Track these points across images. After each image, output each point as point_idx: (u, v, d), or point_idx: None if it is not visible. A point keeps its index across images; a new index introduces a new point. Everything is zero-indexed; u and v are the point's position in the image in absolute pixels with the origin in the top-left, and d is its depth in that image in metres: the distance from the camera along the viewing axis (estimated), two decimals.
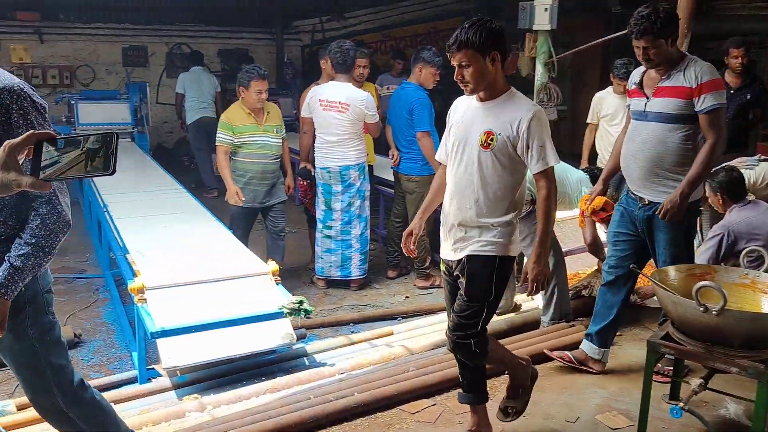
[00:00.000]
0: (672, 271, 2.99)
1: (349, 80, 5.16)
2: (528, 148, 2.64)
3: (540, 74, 5.26)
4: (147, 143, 8.61)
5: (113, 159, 1.50)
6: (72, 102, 8.29)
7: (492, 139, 2.66)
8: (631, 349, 3.98)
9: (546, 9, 4.96)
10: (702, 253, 3.91)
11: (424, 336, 4.19)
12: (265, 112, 5.05)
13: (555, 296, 4.12)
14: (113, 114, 8.40)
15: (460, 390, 3.00)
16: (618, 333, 4.16)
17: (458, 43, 2.60)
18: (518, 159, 2.68)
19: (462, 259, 2.77)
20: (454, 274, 2.83)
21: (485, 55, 2.59)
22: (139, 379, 3.65)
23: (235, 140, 4.96)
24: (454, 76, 2.68)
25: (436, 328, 4.34)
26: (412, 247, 2.98)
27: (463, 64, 2.62)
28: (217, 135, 5.02)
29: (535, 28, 5.09)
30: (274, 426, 3.01)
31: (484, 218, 2.71)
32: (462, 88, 2.70)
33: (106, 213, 4.99)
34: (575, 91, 8.97)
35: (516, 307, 4.65)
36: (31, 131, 1.43)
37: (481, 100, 2.74)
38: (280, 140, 5.13)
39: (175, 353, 3.45)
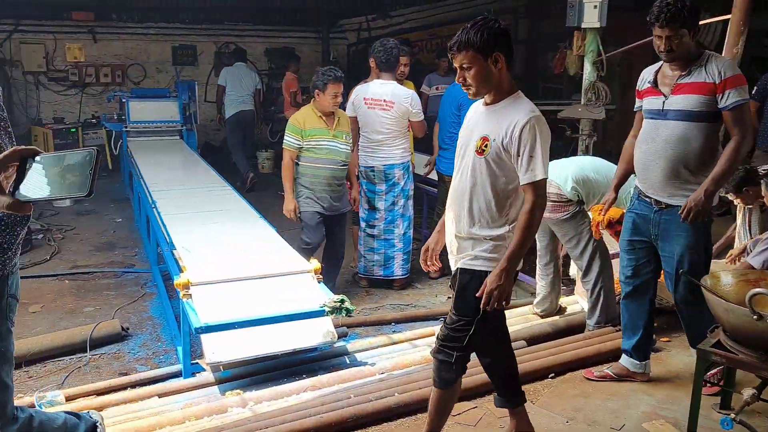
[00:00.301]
0: (724, 276, 2.89)
1: (393, 78, 5.15)
2: (519, 155, 2.48)
3: (588, 73, 5.15)
4: (195, 141, 8.77)
5: (92, 179, 1.39)
6: (123, 100, 8.48)
7: (486, 145, 2.53)
8: (680, 355, 3.87)
9: (595, 6, 4.86)
10: (755, 256, 3.76)
11: None
12: (336, 117, 4.82)
13: (601, 300, 4.04)
14: (163, 112, 8.58)
15: (495, 394, 2.95)
16: (666, 339, 4.06)
17: (458, 43, 2.48)
18: (512, 167, 2.53)
19: (455, 271, 2.68)
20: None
21: (487, 56, 2.47)
22: (183, 373, 3.71)
23: (304, 144, 4.73)
24: (456, 79, 2.58)
25: None
26: (429, 262, 2.87)
27: (464, 65, 2.50)
28: (285, 138, 4.77)
29: (583, 25, 4.98)
30: (314, 424, 3.02)
31: (477, 230, 2.59)
32: (465, 91, 2.59)
33: (154, 209, 5.09)
34: (624, 90, 8.82)
35: (561, 310, 4.57)
36: (15, 147, 1.35)
37: (486, 104, 2.62)
38: (349, 147, 4.90)
39: (218, 349, 3.49)
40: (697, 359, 2.91)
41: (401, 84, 5.44)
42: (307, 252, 4.56)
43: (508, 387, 2.88)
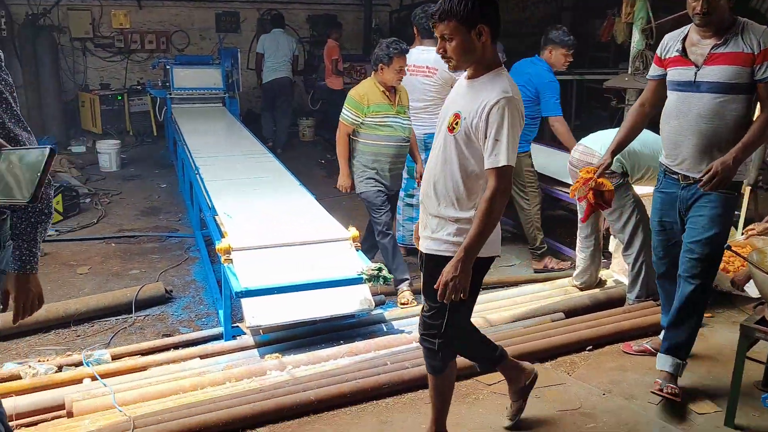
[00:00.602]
0: None
1: (435, 44, 5.06)
2: (486, 137, 2.32)
3: (636, 41, 5.01)
4: (237, 108, 8.84)
5: (39, 183, 1.20)
6: (167, 67, 8.57)
7: (457, 123, 2.39)
8: (723, 331, 3.80)
9: None
10: None
11: (504, 308, 4.14)
12: (397, 92, 4.55)
13: (642, 273, 3.98)
14: (206, 79, 8.65)
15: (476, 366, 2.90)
16: (709, 314, 3.99)
17: (441, 12, 2.32)
18: (481, 150, 2.36)
19: (424, 256, 2.56)
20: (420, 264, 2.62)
21: (471, 28, 2.30)
22: (224, 335, 3.79)
23: (365, 120, 4.42)
24: (436, 49, 2.44)
25: (516, 300, 4.29)
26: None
27: (445, 36, 2.35)
28: (344, 112, 4.46)
29: None
30: (351, 389, 3.07)
31: (444, 210, 2.45)
32: (445, 63, 2.44)
33: (197, 175, 5.16)
34: None
35: (600, 283, 4.52)
36: None
37: (468, 77, 2.47)
38: (410, 123, 4.64)
39: (258, 313, 3.57)
40: (740, 336, 2.86)
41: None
42: (386, 236, 4.45)
43: (486, 356, 2.79)
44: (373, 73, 4.53)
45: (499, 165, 2.29)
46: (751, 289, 3.83)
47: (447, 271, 2.32)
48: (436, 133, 2.54)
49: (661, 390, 3.06)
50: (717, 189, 2.87)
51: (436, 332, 2.53)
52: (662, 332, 3.49)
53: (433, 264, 2.47)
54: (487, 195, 2.32)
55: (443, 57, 2.42)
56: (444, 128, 2.45)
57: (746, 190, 5.27)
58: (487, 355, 2.77)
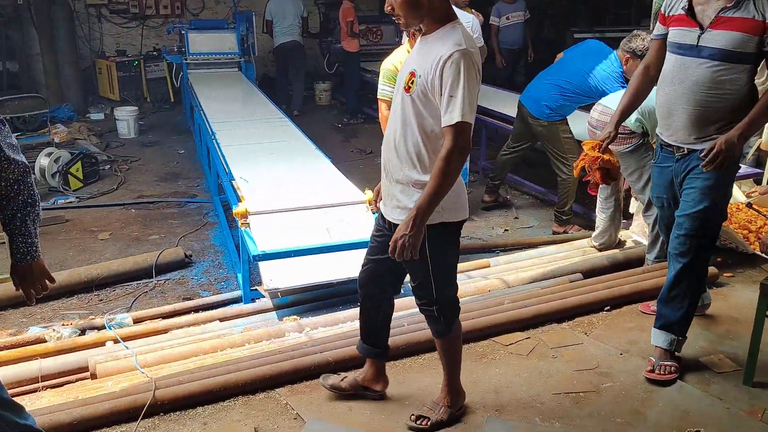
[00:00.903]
0: None
1: (454, 3, 4.96)
2: (440, 94, 2.22)
3: None
4: (253, 73, 8.79)
5: None
6: (182, 32, 8.52)
7: (413, 82, 2.29)
8: (744, 291, 3.77)
9: None
10: None
11: (521, 269, 4.13)
12: None
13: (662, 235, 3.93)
14: (221, 44, 8.60)
15: (360, 339, 2.80)
16: (730, 274, 3.96)
17: None
18: (438, 107, 2.26)
19: (390, 222, 2.47)
20: (386, 226, 2.52)
21: None
22: (243, 298, 3.84)
23: None
24: (385, 8, 2.33)
25: (534, 262, 4.27)
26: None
27: None
28: (379, 87, 4.01)
29: None
30: None
31: (408, 173, 2.36)
32: (396, 21, 2.34)
33: (213, 140, 5.17)
34: None
35: (620, 244, 4.48)
36: None
37: (422, 35, 2.36)
38: None
39: (276, 276, 3.59)
40: (760, 294, 2.83)
41: (462, 10, 5.26)
42: None
43: (377, 336, 2.74)
44: (405, 39, 4.20)
45: (455, 122, 2.20)
46: None
47: (399, 229, 2.28)
48: (395, 95, 2.44)
49: (652, 371, 2.97)
50: (721, 168, 2.69)
51: (428, 300, 2.50)
52: None
53: None
54: (442, 153, 2.23)
55: (392, 15, 2.32)
56: (401, 89, 2.37)
57: None
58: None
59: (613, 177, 3.28)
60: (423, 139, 2.32)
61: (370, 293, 2.68)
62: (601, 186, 4.27)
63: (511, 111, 5.56)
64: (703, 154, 2.71)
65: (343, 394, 2.81)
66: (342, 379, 2.82)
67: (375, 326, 2.75)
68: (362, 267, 2.67)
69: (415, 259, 2.33)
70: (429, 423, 2.62)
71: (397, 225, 2.36)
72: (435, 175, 2.24)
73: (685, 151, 2.85)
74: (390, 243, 2.31)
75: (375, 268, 2.62)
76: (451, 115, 2.20)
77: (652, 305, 3.53)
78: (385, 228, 2.53)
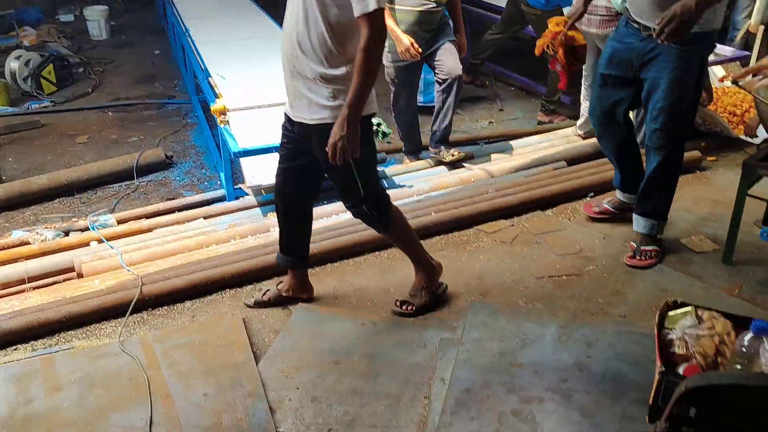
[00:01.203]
0: None
1: None
2: None
3: None
4: None
5: None
6: None
7: None
8: (726, 174, 3.79)
9: None
10: None
11: (506, 160, 4.11)
12: None
13: None
14: None
15: (278, 251, 2.77)
16: (713, 158, 3.96)
17: None
18: None
19: (300, 124, 2.38)
20: (294, 130, 2.44)
21: None
22: (227, 197, 3.81)
23: None
24: None
25: (519, 151, 4.25)
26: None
27: None
28: None
29: None
30: (352, 241, 3.12)
31: (315, 67, 2.23)
32: None
33: (188, 37, 4.99)
34: None
35: None
36: None
37: None
38: None
39: (258, 173, 3.57)
40: (742, 174, 2.83)
41: None
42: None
43: (295, 244, 2.73)
44: None
45: (370, 9, 2.06)
46: (763, 135, 3.74)
47: (334, 132, 2.21)
48: None
49: (633, 257, 3.01)
50: (675, 37, 2.47)
51: (357, 199, 2.45)
52: (616, 191, 3.34)
53: (319, 134, 2.31)
54: (361, 45, 2.11)
55: None
56: None
57: (759, 30, 5.06)
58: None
59: (579, 59, 3.17)
60: (327, 30, 2.19)
61: (289, 201, 2.62)
62: (585, 73, 4.20)
63: (500, 1, 5.41)
64: (658, 20, 2.50)
65: (268, 303, 2.79)
66: (264, 294, 2.80)
67: (295, 235, 2.71)
68: (276, 176, 2.60)
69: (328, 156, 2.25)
70: (413, 308, 2.68)
71: (305, 125, 2.31)
72: (359, 68, 2.14)
73: (651, 32, 2.67)
74: (328, 149, 2.23)
75: (290, 176, 2.55)
76: (365, 3, 2.06)
77: (594, 206, 3.40)
78: (293, 132, 2.44)
